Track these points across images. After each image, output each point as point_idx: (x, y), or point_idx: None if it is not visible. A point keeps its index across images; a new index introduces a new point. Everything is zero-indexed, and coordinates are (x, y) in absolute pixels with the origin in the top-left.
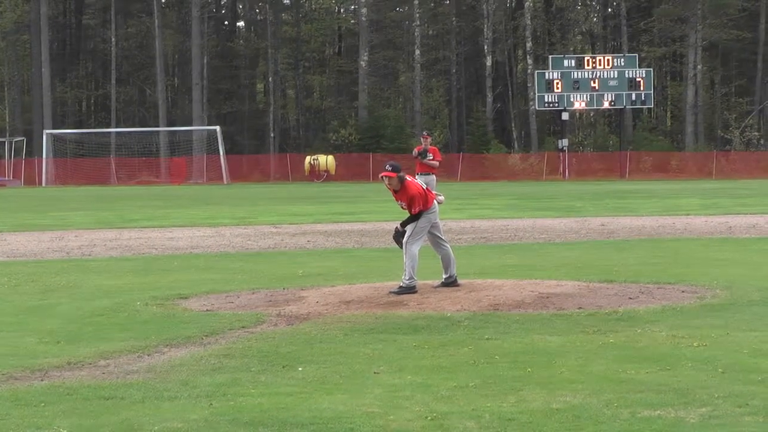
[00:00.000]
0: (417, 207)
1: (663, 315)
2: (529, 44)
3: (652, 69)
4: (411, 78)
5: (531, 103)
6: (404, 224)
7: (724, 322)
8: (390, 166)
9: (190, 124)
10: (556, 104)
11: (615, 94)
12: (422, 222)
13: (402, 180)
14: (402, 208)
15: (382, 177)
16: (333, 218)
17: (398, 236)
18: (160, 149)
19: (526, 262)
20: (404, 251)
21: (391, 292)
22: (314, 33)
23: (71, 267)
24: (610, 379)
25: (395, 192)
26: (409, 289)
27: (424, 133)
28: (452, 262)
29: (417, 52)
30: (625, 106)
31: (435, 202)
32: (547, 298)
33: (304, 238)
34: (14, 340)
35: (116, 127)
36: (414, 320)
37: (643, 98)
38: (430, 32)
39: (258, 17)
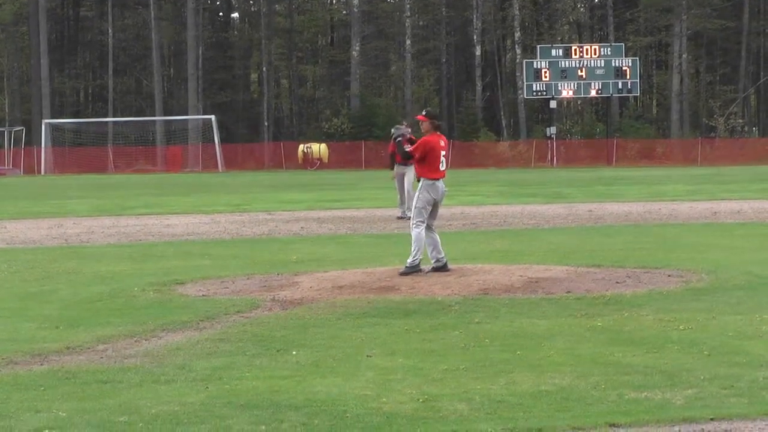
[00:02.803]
0: (415, 151)
1: (649, 299)
2: (517, 34)
3: (638, 58)
4: (402, 67)
5: (519, 91)
6: (403, 147)
7: (710, 306)
8: (425, 111)
9: (186, 114)
10: (545, 93)
11: (602, 83)
12: (422, 193)
13: (426, 132)
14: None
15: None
16: (326, 205)
17: (400, 146)
18: (157, 138)
19: (515, 247)
20: (411, 233)
21: (400, 273)
22: (307, 24)
23: (70, 254)
24: (598, 361)
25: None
26: (413, 269)
27: (404, 122)
28: (438, 246)
29: (408, 42)
30: (611, 95)
31: (441, 183)
32: (536, 282)
33: (297, 225)
34: (14, 326)
35: (113, 116)
36: (405, 304)
37: (629, 87)
38: (421, 23)
39: (252, 9)
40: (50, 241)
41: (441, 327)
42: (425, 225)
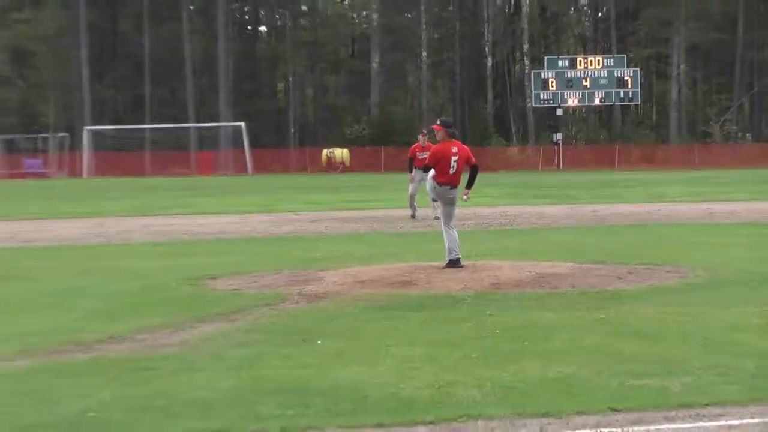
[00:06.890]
0: (430, 162)
1: (649, 293)
2: (526, 46)
3: (639, 69)
4: (418, 78)
5: (528, 100)
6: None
7: (706, 300)
8: (440, 120)
9: (218, 121)
10: (551, 101)
11: (605, 92)
12: (429, 183)
13: (441, 140)
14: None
15: (431, 129)
16: (348, 206)
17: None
18: (190, 144)
19: (524, 245)
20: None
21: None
22: (330, 37)
23: (110, 251)
24: (601, 351)
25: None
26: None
27: (423, 130)
28: (456, 244)
29: (424, 54)
30: (614, 103)
31: (447, 188)
32: (544, 278)
33: (322, 224)
34: (57, 317)
35: (150, 123)
36: (422, 298)
37: (630, 95)
38: (436, 36)
39: (278, 23)
40: (92, 239)
41: (455, 319)
42: (445, 222)
